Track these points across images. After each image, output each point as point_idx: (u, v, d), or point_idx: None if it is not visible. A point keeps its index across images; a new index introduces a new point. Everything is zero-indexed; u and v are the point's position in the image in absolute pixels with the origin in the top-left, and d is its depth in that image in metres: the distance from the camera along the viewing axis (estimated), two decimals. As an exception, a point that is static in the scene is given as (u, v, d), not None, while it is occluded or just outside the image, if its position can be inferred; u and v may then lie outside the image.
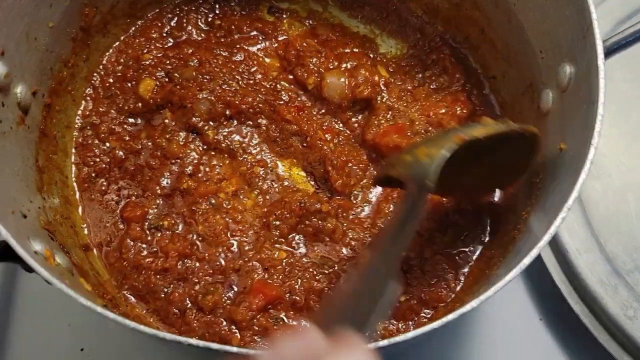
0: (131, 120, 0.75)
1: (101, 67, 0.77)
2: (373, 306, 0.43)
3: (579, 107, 0.55)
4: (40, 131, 0.66)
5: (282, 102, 0.76)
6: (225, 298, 0.67)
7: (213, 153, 0.74)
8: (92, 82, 0.76)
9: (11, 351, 0.72)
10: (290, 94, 0.77)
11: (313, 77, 0.76)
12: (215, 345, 0.42)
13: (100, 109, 0.75)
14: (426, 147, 0.56)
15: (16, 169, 0.59)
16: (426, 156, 0.55)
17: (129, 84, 0.75)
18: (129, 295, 0.67)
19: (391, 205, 0.72)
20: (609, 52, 0.54)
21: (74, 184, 0.72)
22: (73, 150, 0.73)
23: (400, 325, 0.66)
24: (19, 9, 0.60)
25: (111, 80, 0.77)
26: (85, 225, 0.70)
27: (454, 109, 0.75)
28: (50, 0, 0.64)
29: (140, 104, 0.74)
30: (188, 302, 0.66)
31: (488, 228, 0.70)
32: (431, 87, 0.78)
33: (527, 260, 0.47)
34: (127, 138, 0.74)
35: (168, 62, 0.76)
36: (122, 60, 0.77)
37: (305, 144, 0.75)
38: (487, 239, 0.70)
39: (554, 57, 0.62)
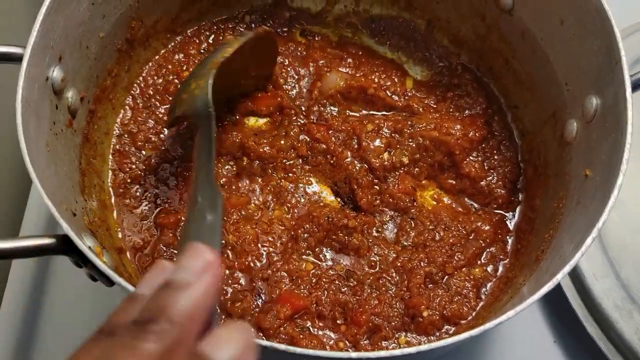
0: (167, 131, 0.78)
1: (141, 78, 0.80)
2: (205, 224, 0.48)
3: (606, 137, 0.58)
4: (84, 136, 0.69)
5: (312, 121, 0.79)
6: (254, 306, 0.69)
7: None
8: (132, 92, 0.79)
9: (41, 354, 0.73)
10: (320, 109, 0.80)
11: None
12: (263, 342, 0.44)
13: (139, 119, 0.78)
14: (195, 81, 0.68)
15: (65, 169, 0.61)
16: (197, 88, 0.67)
17: (170, 98, 0.78)
18: (159, 299, 0.69)
19: (412, 222, 0.75)
20: (635, 87, 0.57)
21: (110, 188, 0.74)
22: (110, 157, 0.76)
23: (422, 339, 0.68)
24: (77, 18, 0.63)
25: (151, 92, 0.80)
26: (119, 229, 0.72)
27: (467, 130, 0.78)
28: (104, 11, 0.68)
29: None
30: (217, 308, 0.68)
31: (509, 247, 0.73)
32: (452, 105, 0.81)
33: (560, 276, 0.49)
34: (163, 147, 0.77)
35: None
36: (162, 73, 0.80)
37: (332, 162, 0.78)
38: (508, 259, 0.72)
39: (579, 89, 0.65)
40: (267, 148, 0.76)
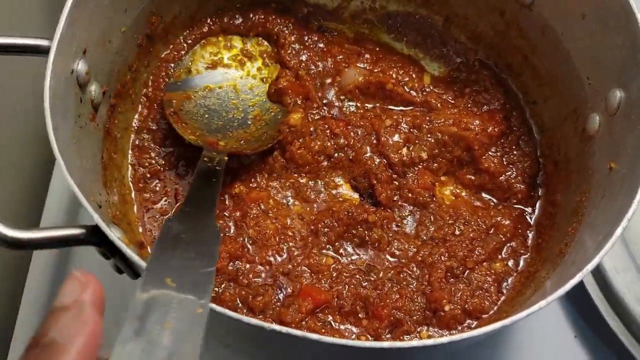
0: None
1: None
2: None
3: (632, 129, 0.58)
4: (105, 130, 0.69)
5: (332, 116, 0.79)
6: (275, 300, 0.69)
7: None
8: (149, 88, 0.79)
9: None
10: (340, 104, 0.80)
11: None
12: (298, 332, 0.44)
13: (157, 116, 0.78)
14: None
15: (89, 162, 0.61)
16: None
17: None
18: (181, 293, 0.69)
19: (431, 217, 0.75)
20: (660, 79, 0.57)
21: (130, 183, 0.74)
22: (130, 151, 0.76)
23: (444, 333, 0.68)
24: (100, 13, 0.63)
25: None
26: (139, 224, 0.72)
27: (486, 125, 0.78)
28: (126, 5, 0.68)
29: None
30: (239, 302, 0.68)
31: (529, 242, 0.73)
32: (470, 100, 0.81)
33: (589, 268, 0.49)
34: (183, 144, 0.76)
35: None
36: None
37: (351, 158, 0.78)
38: (528, 253, 0.72)
39: (602, 83, 0.65)
40: (305, 152, 0.76)
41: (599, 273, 0.72)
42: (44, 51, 0.55)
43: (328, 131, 0.77)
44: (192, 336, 0.37)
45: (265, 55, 0.83)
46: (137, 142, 0.76)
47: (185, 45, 0.81)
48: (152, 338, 0.36)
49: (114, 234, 0.49)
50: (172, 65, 0.79)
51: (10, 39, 0.55)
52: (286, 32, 0.83)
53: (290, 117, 0.77)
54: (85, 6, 0.59)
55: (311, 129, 0.77)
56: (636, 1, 0.60)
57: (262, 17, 0.83)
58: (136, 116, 0.77)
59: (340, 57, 0.83)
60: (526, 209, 0.76)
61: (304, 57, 0.82)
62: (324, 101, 0.81)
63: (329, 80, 0.81)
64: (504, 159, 0.78)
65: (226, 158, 0.71)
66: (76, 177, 0.52)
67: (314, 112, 0.79)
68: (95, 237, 0.49)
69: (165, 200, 0.74)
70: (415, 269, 0.72)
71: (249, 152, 0.75)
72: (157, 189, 0.75)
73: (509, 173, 0.77)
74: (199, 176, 0.66)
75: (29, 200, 0.85)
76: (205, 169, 0.68)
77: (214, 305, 0.45)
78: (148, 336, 0.36)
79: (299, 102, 0.79)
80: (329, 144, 0.77)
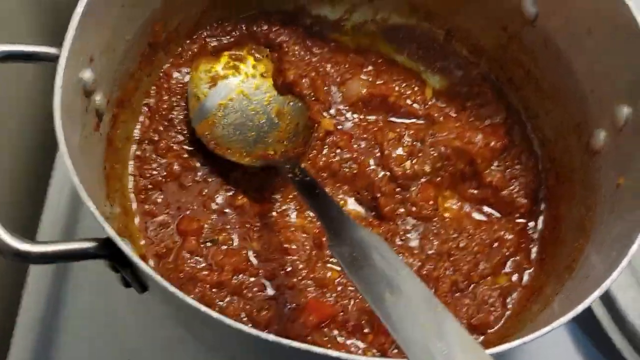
0: (191, 143, 0.77)
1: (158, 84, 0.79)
2: None
3: (640, 144, 0.58)
4: (108, 140, 0.68)
5: (337, 129, 0.79)
6: (280, 314, 0.68)
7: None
8: (150, 98, 0.78)
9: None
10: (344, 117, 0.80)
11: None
12: (315, 349, 0.43)
13: (160, 128, 0.76)
14: None
15: (95, 173, 0.60)
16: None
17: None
18: (184, 308, 0.67)
19: (435, 231, 0.75)
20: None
21: (131, 194, 0.73)
22: (131, 162, 0.74)
23: (451, 348, 0.67)
24: (107, 21, 0.62)
25: (167, 98, 0.79)
26: (141, 236, 0.71)
27: (489, 139, 0.78)
28: (131, 14, 0.67)
29: None
30: (244, 315, 0.67)
31: (533, 256, 0.73)
32: (472, 114, 0.81)
33: (605, 285, 0.49)
34: (186, 156, 0.75)
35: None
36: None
37: (355, 171, 0.77)
38: (532, 268, 0.72)
39: (607, 98, 0.65)
40: (309, 167, 0.75)
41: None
42: (51, 59, 0.54)
43: (334, 147, 0.77)
44: None
45: (253, 51, 0.82)
46: (138, 153, 0.75)
47: (184, 58, 0.80)
48: None
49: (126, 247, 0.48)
50: (175, 76, 0.78)
51: (16, 46, 0.54)
52: (290, 41, 0.82)
53: (323, 122, 0.78)
54: (94, 14, 0.58)
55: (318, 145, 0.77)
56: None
57: (266, 27, 0.83)
58: (138, 126, 0.76)
59: (346, 65, 0.83)
60: (529, 223, 0.76)
61: (314, 59, 0.82)
62: (331, 111, 0.80)
63: (334, 88, 0.81)
64: (506, 173, 0.78)
65: (302, 165, 0.71)
66: (87, 188, 0.51)
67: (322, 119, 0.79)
68: (106, 250, 0.47)
69: (167, 212, 0.73)
70: (420, 283, 0.71)
71: (303, 149, 0.76)
72: (159, 200, 0.73)
73: (511, 187, 0.77)
74: (304, 194, 0.65)
75: (23, 213, 0.83)
76: (300, 184, 0.67)
77: (221, 317, 0.44)
78: None
79: (311, 94, 0.79)
80: (334, 160, 0.76)
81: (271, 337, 0.44)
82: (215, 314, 0.45)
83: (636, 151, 0.59)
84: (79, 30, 0.55)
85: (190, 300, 0.46)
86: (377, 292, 0.47)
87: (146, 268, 0.45)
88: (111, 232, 0.46)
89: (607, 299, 0.71)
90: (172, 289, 0.45)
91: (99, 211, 0.50)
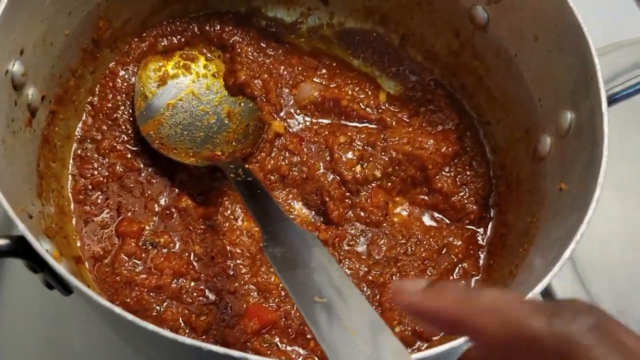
0: (137, 143, 0.75)
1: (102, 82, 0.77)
2: None
3: (581, 150, 0.58)
4: (44, 137, 0.65)
5: (287, 132, 0.77)
6: (219, 320, 0.65)
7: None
8: (94, 96, 0.75)
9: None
10: (295, 120, 0.79)
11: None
12: (237, 353, 0.42)
13: (103, 127, 0.74)
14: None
15: (22, 170, 0.58)
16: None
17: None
18: (119, 312, 0.65)
19: (384, 236, 0.74)
20: (610, 101, 0.58)
21: (70, 194, 0.70)
22: (71, 161, 0.72)
23: (394, 356, 0.66)
24: (41, 12, 0.60)
25: (112, 97, 0.76)
26: (78, 238, 0.68)
27: (440, 145, 0.77)
28: (70, 8, 0.65)
29: None
30: (181, 321, 0.65)
31: (481, 262, 0.72)
32: (425, 119, 0.81)
33: (538, 289, 0.48)
34: (130, 156, 0.73)
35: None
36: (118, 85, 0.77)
37: (304, 175, 0.76)
38: (480, 275, 0.71)
39: (554, 104, 0.65)
40: (257, 169, 0.74)
41: (548, 297, 0.71)
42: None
43: (284, 150, 0.75)
44: None
45: (205, 50, 0.81)
46: (79, 152, 0.73)
47: (131, 56, 0.78)
48: None
49: (42, 247, 0.46)
50: (121, 74, 0.76)
51: None
52: (243, 43, 0.81)
53: (273, 125, 0.77)
54: (25, 4, 0.56)
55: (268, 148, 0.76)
56: (586, 23, 0.60)
57: (219, 27, 0.81)
58: (80, 125, 0.74)
59: (300, 68, 0.81)
60: (478, 229, 0.76)
61: (267, 61, 0.81)
62: (281, 113, 0.79)
63: (286, 91, 0.80)
64: (457, 179, 0.77)
65: (247, 166, 0.70)
66: (5, 184, 0.48)
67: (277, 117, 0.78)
68: (21, 248, 0.45)
69: (107, 213, 0.70)
70: (365, 289, 0.70)
71: (250, 150, 0.74)
72: (99, 201, 0.71)
73: (461, 193, 0.77)
74: (245, 195, 0.63)
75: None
76: (242, 184, 0.65)
77: (145, 324, 0.42)
78: None
79: (262, 95, 0.78)
80: (283, 163, 0.75)
81: (188, 341, 0.42)
82: (138, 321, 0.42)
83: (577, 156, 0.58)
84: (6, 20, 0.53)
85: (109, 304, 0.43)
86: (306, 295, 0.46)
87: (60, 269, 0.43)
88: (24, 230, 0.43)
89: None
90: (84, 289, 0.43)
91: (21, 209, 0.48)
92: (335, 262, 0.50)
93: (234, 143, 0.76)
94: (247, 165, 0.72)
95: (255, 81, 0.79)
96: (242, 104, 0.79)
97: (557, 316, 0.33)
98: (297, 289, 0.46)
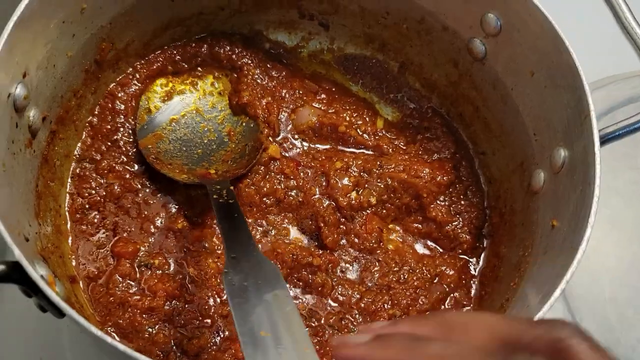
0: (135, 164, 0.75)
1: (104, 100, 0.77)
2: None
3: (574, 188, 0.59)
4: (43, 157, 0.66)
5: (284, 156, 0.78)
6: (211, 343, 0.66)
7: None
8: (94, 117, 0.76)
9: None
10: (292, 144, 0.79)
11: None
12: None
13: (102, 147, 0.75)
14: None
15: (21, 191, 0.58)
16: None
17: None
18: (112, 333, 0.65)
19: (377, 263, 0.74)
20: (603, 141, 0.59)
21: (67, 213, 0.71)
22: (69, 180, 0.72)
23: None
24: (45, 35, 0.61)
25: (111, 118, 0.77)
26: (73, 257, 0.68)
27: (435, 174, 0.78)
28: (74, 31, 0.66)
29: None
30: (173, 344, 0.65)
31: (473, 292, 0.73)
32: (421, 147, 0.81)
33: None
34: (128, 176, 0.74)
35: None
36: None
37: (300, 200, 0.76)
38: (471, 305, 0.72)
39: (548, 140, 0.66)
40: (252, 192, 0.75)
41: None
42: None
43: (280, 174, 0.76)
44: None
45: (213, 69, 0.82)
46: (77, 171, 0.73)
47: (135, 78, 0.78)
48: None
49: (37, 272, 0.46)
50: (120, 95, 0.77)
51: None
52: (252, 65, 0.82)
53: (270, 148, 0.77)
54: (29, 28, 0.57)
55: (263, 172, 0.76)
56: (583, 56, 0.61)
57: (229, 48, 0.82)
58: (79, 144, 0.74)
59: (301, 91, 0.82)
60: (471, 259, 0.76)
61: (271, 83, 0.81)
62: (278, 137, 0.80)
63: (285, 115, 0.81)
64: (451, 209, 0.78)
65: (231, 187, 0.69)
66: (3, 207, 0.49)
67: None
68: (16, 274, 0.45)
69: (103, 233, 0.71)
70: (357, 315, 0.70)
71: (243, 171, 0.74)
72: (96, 220, 0.71)
73: (455, 223, 0.77)
74: (221, 216, 0.64)
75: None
76: (221, 206, 0.65)
77: (138, 355, 0.42)
78: None
79: (264, 116, 0.79)
80: (279, 187, 0.75)
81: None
82: (130, 351, 0.43)
83: (569, 194, 0.59)
84: (11, 43, 0.54)
85: (100, 333, 0.44)
86: (251, 329, 0.46)
87: (54, 296, 0.43)
88: (21, 256, 0.44)
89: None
90: (76, 316, 0.43)
91: (18, 232, 0.48)
92: (292, 300, 0.51)
93: (229, 162, 0.77)
94: (242, 186, 0.73)
95: (258, 102, 0.80)
96: (244, 124, 0.79)
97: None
98: (243, 319, 0.47)
